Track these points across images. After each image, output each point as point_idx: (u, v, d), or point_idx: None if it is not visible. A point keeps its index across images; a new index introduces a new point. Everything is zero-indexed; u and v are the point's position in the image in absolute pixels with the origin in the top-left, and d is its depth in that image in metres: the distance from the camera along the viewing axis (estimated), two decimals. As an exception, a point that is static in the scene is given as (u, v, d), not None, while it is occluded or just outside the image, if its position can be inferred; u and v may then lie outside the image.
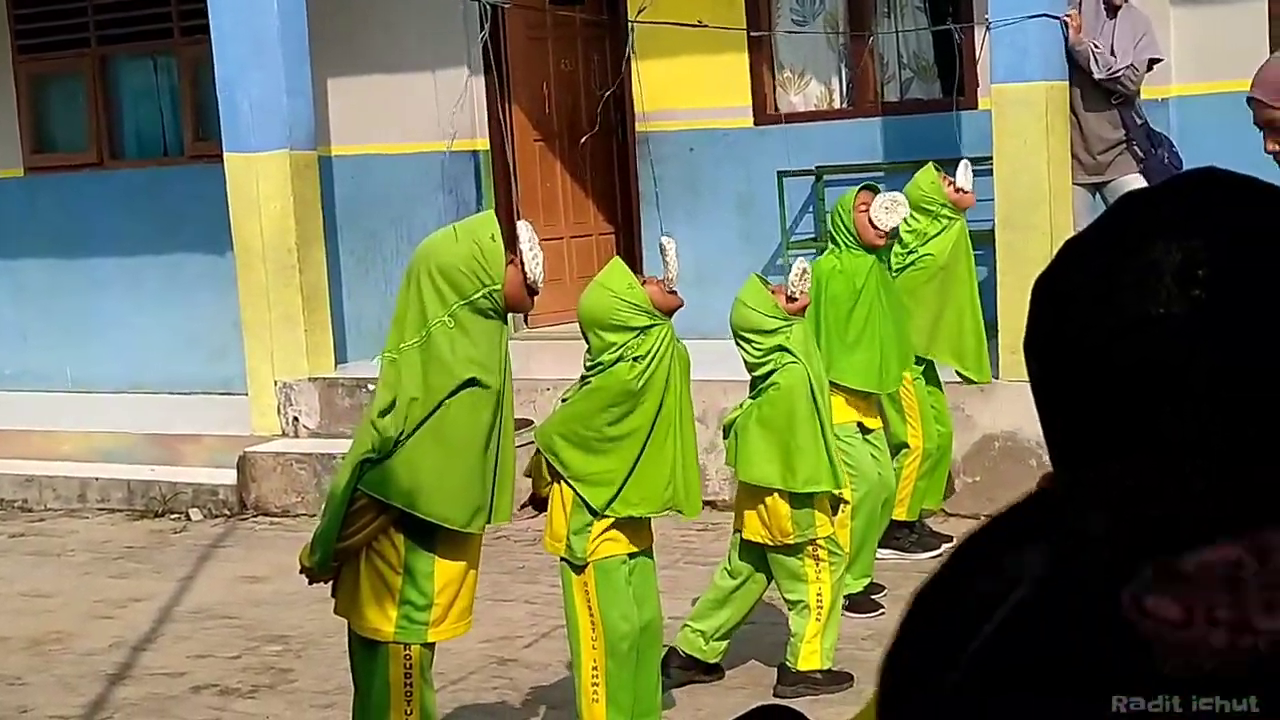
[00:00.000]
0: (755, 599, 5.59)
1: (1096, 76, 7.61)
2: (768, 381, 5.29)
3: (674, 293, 4.73)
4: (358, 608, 4.07)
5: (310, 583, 4.25)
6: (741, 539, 5.48)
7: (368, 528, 3.98)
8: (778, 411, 5.24)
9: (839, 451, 5.46)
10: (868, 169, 9.18)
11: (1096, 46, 7.58)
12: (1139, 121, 7.83)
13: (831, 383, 6.11)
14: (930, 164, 7.17)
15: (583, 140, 9.84)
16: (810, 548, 5.35)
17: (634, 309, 4.63)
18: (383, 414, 3.96)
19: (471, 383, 3.96)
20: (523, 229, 4.21)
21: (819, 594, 5.37)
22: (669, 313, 4.70)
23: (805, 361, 5.26)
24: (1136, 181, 7.75)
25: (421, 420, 3.92)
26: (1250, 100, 3.76)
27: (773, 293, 5.36)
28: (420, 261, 4.05)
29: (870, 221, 6.24)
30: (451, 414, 3.95)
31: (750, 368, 5.38)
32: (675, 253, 4.83)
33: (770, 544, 5.36)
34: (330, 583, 4.18)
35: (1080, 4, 7.75)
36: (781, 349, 5.26)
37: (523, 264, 4.07)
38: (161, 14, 10.83)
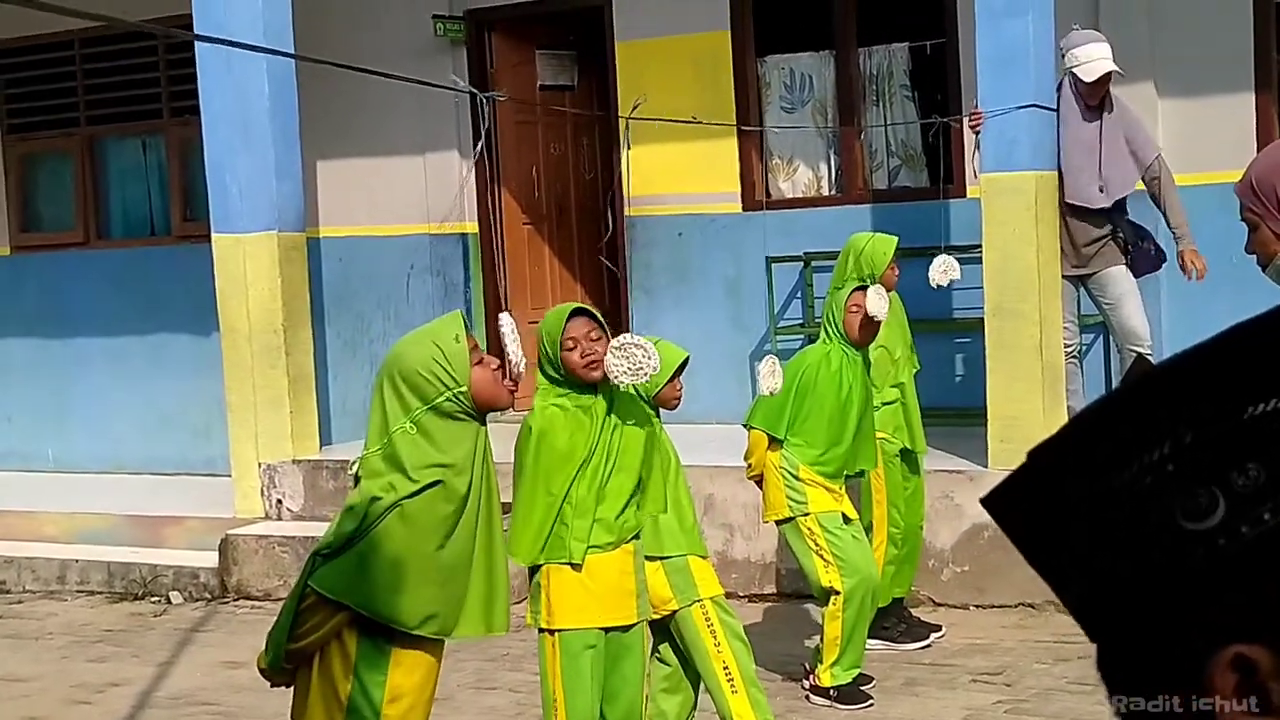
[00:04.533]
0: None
1: (1100, 206, 7.64)
2: None
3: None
4: (310, 717, 3.94)
5: (271, 685, 4.09)
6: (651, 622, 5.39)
7: (320, 628, 3.85)
8: None
9: (696, 520, 5.37)
10: (856, 255, 9.18)
11: (1094, 180, 7.58)
12: (1123, 214, 7.84)
13: (813, 470, 6.14)
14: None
15: (602, 243, 9.89)
16: (698, 610, 5.24)
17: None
18: (346, 511, 3.89)
19: (433, 484, 3.88)
20: (504, 321, 4.19)
21: (726, 667, 5.26)
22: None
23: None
24: (1121, 274, 7.75)
25: (379, 518, 3.83)
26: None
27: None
28: (386, 367, 3.98)
29: (866, 317, 6.23)
30: (409, 514, 3.85)
31: None
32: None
33: (660, 615, 5.26)
34: (290, 686, 4.05)
35: (1058, 106, 7.73)
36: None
37: (504, 358, 4.04)
38: (151, 95, 10.86)
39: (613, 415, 4.71)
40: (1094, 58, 7.54)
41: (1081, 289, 7.94)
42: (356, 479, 3.94)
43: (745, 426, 6.43)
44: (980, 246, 7.90)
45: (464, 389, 3.86)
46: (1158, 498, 0.86)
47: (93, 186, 11.22)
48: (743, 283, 9.83)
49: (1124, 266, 7.77)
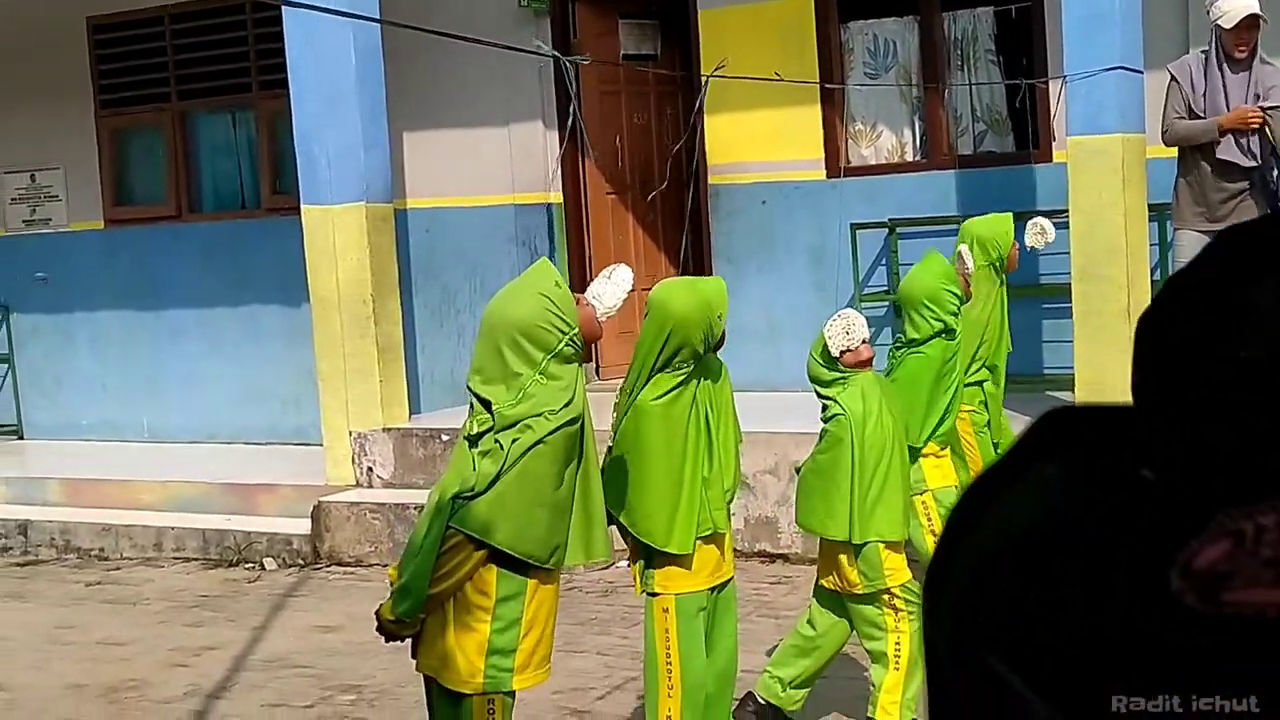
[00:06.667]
0: (837, 647, 5.55)
1: (1249, 165, 7.50)
2: (823, 429, 5.30)
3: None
4: (447, 660, 4.03)
5: (388, 640, 4.14)
6: (819, 584, 5.46)
7: (462, 569, 3.95)
8: (826, 459, 5.24)
9: (906, 504, 5.39)
10: (941, 222, 9.16)
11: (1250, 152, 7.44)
12: (1270, 171, 7.63)
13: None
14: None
15: (650, 196, 9.90)
16: (886, 596, 5.30)
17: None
18: (483, 455, 3.98)
19: (570, 422, 4.00)
20: (621, 271, 4.27)
21: (897, 644, 5.31)
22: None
23: (862, 415, 5.20)
24: None
25: (519, 458, 3.94)
26: None
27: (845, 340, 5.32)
28: (499, 327, 4.06)
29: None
30: (546, 452, 3.98)
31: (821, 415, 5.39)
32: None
33: (843, 593, 5.34)
34: (409, 639, 4.15)
35: (1191, 67, 7.60)
36: (835, 400, 5.25)
37: (591, 301, 4.18)
38: (241, 69, 10.99)
39: (704, 379, 4.76)
40: (1235, 6, 7.43)
41: None
42: (476, 438, 4.02)
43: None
44: (1067, 211, 7.85)
45: (577, 330, 4.03)
46: None
47: (184, 160, 11.37)
48: (826, 250, 9.83)
49: None
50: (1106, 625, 0.67)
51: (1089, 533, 0.68)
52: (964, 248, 6.54)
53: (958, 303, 6.18)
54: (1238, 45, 7.46)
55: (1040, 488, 0.72)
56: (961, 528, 0.74)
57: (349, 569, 8.68)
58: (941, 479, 6.22)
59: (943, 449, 6.25)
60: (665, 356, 4.61)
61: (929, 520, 6.16)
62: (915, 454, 6.15)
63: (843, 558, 5.26)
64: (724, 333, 4.75)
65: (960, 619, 0.72)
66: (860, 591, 5.28)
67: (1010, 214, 7.08)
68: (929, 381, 6.11)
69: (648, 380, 4.63)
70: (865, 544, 5.21)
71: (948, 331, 6.14)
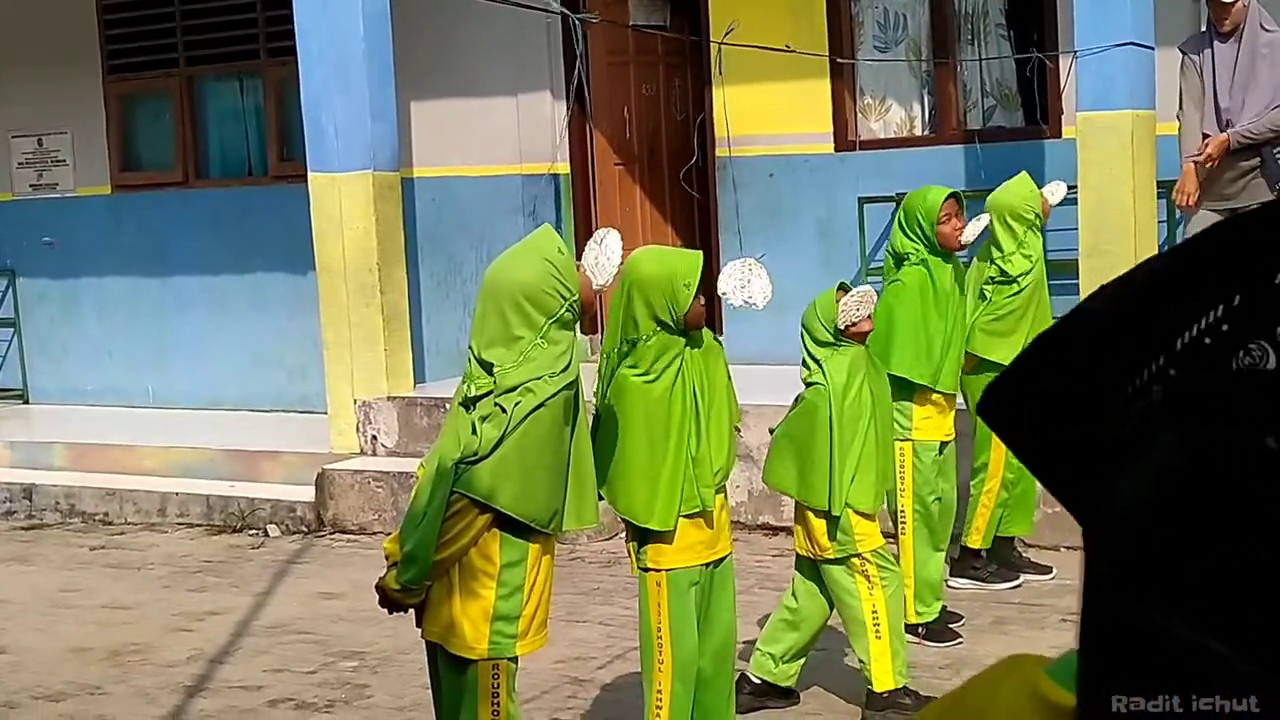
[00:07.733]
0: (823, 619, 5.56)
1: (1205, 132, 7.44)
2: (800, 395, 5.31)
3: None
4: (452, 627, 4.03)
5: (392, 610, 4.13)
6: (797, 554, 5.48)
7: (466, 534, 3.95)
8: (801, 425, 5.25)
9: (880, 478, 5.37)
10: (949, 196, 9.13)
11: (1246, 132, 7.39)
12: (1275, 151, 7.61)
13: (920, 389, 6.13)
14: (1024, 173, 7.06)
15: (684, 171, 9.94)
16: (856, 561, 5.30)
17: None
18: (484, 419, 3.98)
19: (568, 386, 4.01)
20: (610, 238, 4.27)
21: (874, 611, 5.32)
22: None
23: (843, 387, 5.19)
24: None
25: (520, 422, 3.94)
26: None
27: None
28: (502, 289, 4.06)
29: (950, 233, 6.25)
30: (546, 416, 3.99)
31: (802, 373, 5.36)
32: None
33: (815, 558, 5.35)
34: (412, 609, 4.13)
35: (1197, 43, 7.56)
36: (820, 364, 5.24)
37: (589, 270, 4.19)
38: (248, 35, 10.97)
39: (695, 350, 4.69)
40: None
41: None
42: (473, 401, 4.02)
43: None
44: (1075, 187, 7.83)
45: (577, 297, 4.04)
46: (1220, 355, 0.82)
47: (191, 127, 11.36)
48: (834, 224, 9.81)
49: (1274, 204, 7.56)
50: (1243, 589, 0.67)
51: (1215, 502, 0.68)
52: (978, 220, 6.48)
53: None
54: (1217, 19, 7.46)
55: (1164, 457, 0.72)
56: (1098, 491, 0.76)
57: (352, 537, 8.70)
58: (928, 433, 6.22)
59: (941, 404, 6.27)
60: (628, 318, 4.54)
61: (900, 469, 6.14)
62: (908, 387, 6.15)
63: (812, 516, 5.28)
64: (700, 308, 4.56)
65: (1109, 576, 0.74)
66: (832, 555, 5.30)
67: (1024, 174, 7.01)
68: (905, 310, 6.10)
69: (622, 345, 4.58)
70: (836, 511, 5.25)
71: (943, 255, 6.17)
